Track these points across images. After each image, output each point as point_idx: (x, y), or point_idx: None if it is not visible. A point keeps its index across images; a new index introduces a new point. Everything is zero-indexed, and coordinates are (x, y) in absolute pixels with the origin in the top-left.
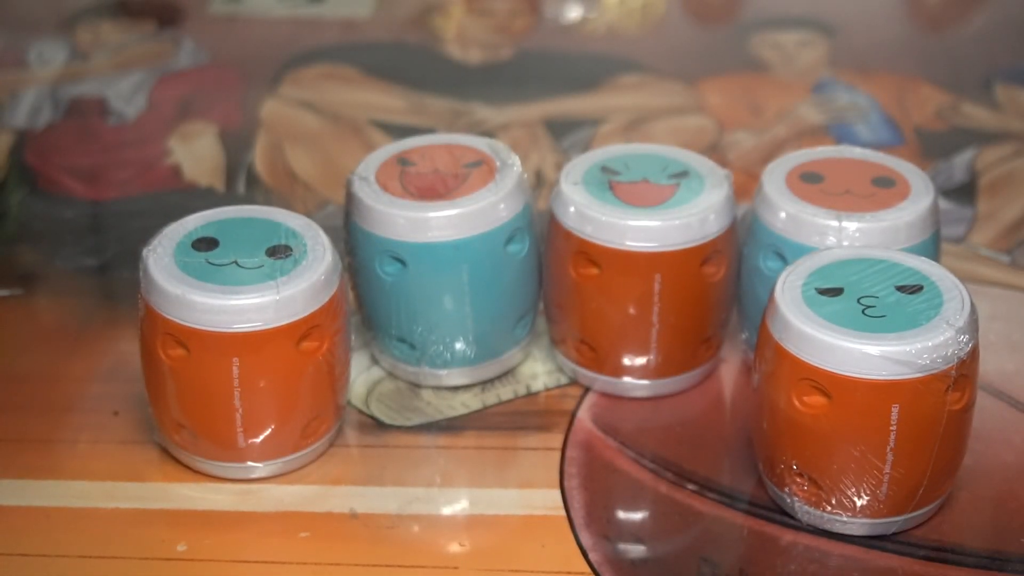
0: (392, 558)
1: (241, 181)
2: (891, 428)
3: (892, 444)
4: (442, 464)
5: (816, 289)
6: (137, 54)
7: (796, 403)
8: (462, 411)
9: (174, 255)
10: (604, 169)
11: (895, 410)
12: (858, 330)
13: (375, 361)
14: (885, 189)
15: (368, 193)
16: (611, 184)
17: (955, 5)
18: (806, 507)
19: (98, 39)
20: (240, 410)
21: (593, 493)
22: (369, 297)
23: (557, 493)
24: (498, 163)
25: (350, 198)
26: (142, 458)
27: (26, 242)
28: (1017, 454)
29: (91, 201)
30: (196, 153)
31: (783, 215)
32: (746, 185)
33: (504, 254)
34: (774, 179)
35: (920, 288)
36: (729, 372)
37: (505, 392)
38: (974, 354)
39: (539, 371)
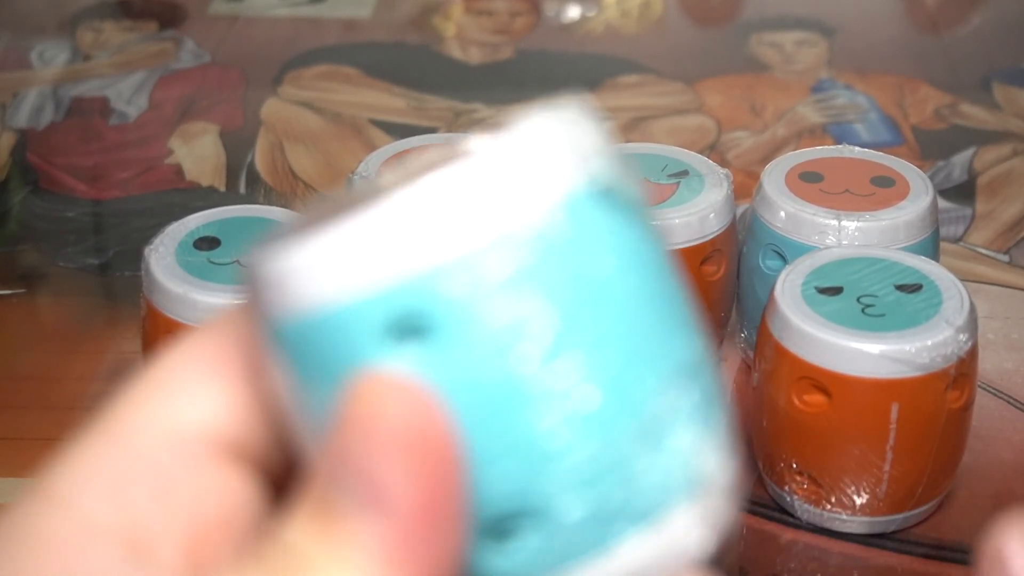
0: None
1: (242, 181)
2: (891, 426)
3: (892, 442)
4: None
5: (816, 288)
6: (138, 54)
7: (796, 402)
8: None
9: (176, 254)
10: None
11: (895, 408)
12: (858, 329)
13: None
14: (884, 188)
15: None
16: None
17: (953, 6)
18: (806, 505)
19: (100, 39)
20: None
21: None
22: None
23: None
24: None
25: None
26: None
27: (28, 241)
28: (1016, 452)
29: (93, 200)
30: (197, 153)
31: (783, 214)
32: (746, 184)
33: None
34: (774, 178)
35: (919, 287)
36: (728, 371)
37: None
38: (973, 353)
39: None
